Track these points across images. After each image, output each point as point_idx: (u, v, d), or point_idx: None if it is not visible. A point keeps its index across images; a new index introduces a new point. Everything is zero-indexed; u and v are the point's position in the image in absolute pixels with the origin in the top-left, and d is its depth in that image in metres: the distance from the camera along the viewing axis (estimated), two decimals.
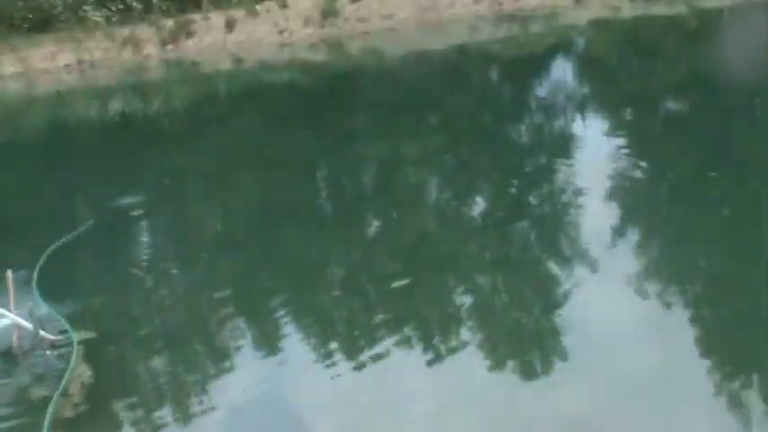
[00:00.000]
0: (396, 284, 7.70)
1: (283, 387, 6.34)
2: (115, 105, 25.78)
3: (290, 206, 10.90)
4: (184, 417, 6.13)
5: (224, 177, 13.13)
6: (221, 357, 6.96)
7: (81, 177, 14.39)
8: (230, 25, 32.60)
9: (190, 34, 32.93)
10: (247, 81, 26.50)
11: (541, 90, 17.03)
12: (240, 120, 19.45)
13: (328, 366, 6.45)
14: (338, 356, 6.59)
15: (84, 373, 6.62)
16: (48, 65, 32.56)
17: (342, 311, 7.57)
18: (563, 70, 19.17)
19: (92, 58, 32.50)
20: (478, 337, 6.67)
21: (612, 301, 6.89)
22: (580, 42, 23.43)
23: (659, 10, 25.32)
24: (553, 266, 7.83)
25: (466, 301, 7.34)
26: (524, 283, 7.69)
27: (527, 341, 6.58)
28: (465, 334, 6.73)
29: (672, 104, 14.28)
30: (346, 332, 7.13)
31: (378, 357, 6.47)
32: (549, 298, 7.19)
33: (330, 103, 19.40)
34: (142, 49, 32.67)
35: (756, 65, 15.54)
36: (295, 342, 6.95)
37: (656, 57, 18.70)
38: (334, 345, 6.82)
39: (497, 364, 6.26)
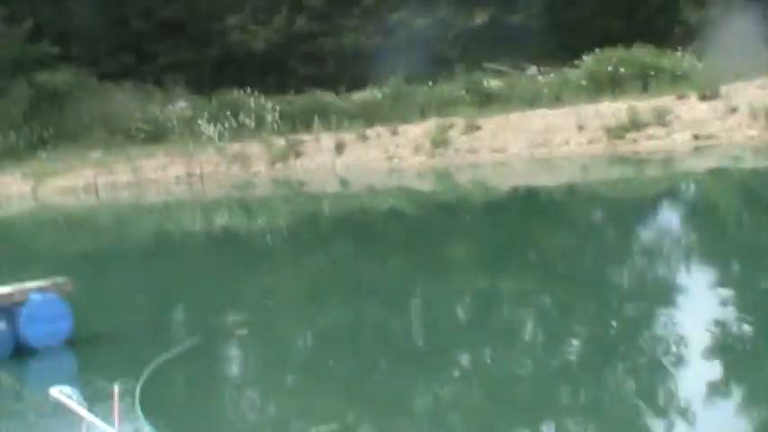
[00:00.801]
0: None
1: None
2: (220, 219, 26.08)
3: (380, 336, 11.05)
4: None
5: (319, 302, 13.21)
6: None
7: (183, 291, 14.76)
8: (340, 148, 32.71)
9: (299, 154, 33.15)
10: (351, 204, 26.45)
11: (647, 236, 16.47)
12: (340, 243, 19.45)
13: None
14: None
15: None
16: (159, 175, 33.17)
17: None
18: (673, 217, 18.64)
19: (201, 172, 32.97)
20: None
21: None
22: (694, 190, 22.66)
23: None
24: (646, 420, 7.44)
25: None
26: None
27: None
28: None
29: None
30: None
31: None
32: None
33: (431, 233, 19.20)
34: (251, 165, 33.02)
35: None
36: None
37: None
38: None
39: None
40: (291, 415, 8.49)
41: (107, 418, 6.83)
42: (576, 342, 10.03)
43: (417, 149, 31.78)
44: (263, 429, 8.26)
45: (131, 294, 14.79)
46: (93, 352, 10.90)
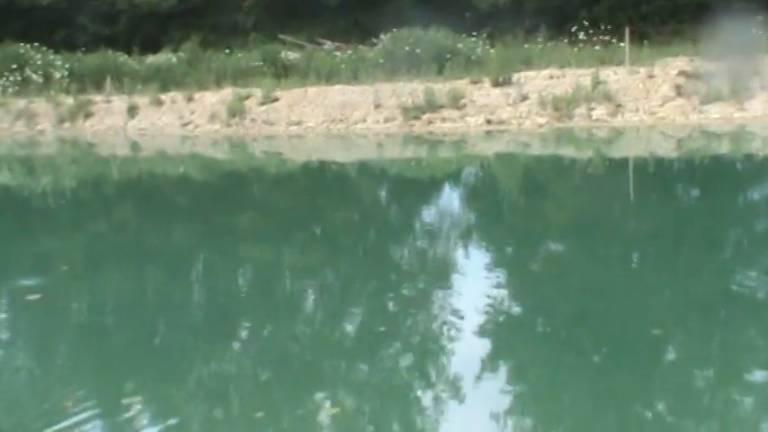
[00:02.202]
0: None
1: None
2: (1, 178, 24.78)
3: (161, 304, 10.80)
4: None
5: (99, 268, 12.84)
6: None
7: None
8: (132, 111, 31.70)
9: (89, 114, 31.92)
10: (141, 169, 25.74)
11: (430, 215, 16.86)
12: (127, 207, 18.98)
13: None
14: None
15: None
16: None
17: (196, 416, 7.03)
18: (457, 198, 19.12)
19: None
20: None
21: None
22: (481, 173, 23.28)
23: (566, 151, 25.43)
24: (419, 393, 7.49)
25: (326, 423, 6.76)
26: (387, 408, 7.18)
27: None
28: None
29: (551, 244, 13.95)
30: None
31: None
32: (409, 426, 6.82)
33: (221, 201, 19.05)
34: (36, 123, 31.53)
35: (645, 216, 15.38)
36: None
37: (548, 195, 18.71)
38: None
39: None
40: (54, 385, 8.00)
41: None
42: (355, 316, 10.05)
43: (213, 117, 31.24)
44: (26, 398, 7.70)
45: None
46: None
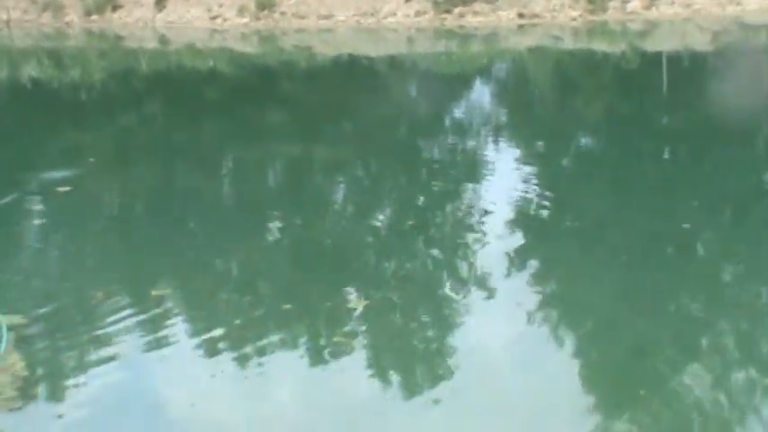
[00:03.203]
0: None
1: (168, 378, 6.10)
2: (30, 71, 24.73)
3: (185, 195, 10.89)
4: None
5: (131, 162, 12.92)
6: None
7: None
8: (160, 3, 31.40)
9: (117, 7, 31.65)
10: (170, 63, 25.60)
11: (460, 110, 16.71)
12: (152, 101, 18.91)
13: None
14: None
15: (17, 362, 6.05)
16: None
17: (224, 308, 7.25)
18: (487, 92, 18.92)
19: (8, 18, 31.06)
20: (368, 353, 6.32)
21: (500, 326, 6.74)
22: (513, 67, 22.99)
23: (599, 46, 25.01)
24: (447, 288, 7.55)
25: (355, 316, 6.83)
26: (415, 302, 7.27)
27: (414, 359, 6.31)
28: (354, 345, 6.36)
29: (582, 140, 13.85)
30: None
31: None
32: (438, 319, 6.90)
33: (248, 95, 18.86)
34: (64, 15, 31.32)
35: (690, 112, 15.16)
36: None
37: (579, 91, 18.45)
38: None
39: (382, 379, 5.98)
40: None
41: None
42: (386, 211, 10.07)
43: (242, 11, 30.87)
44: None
45: None
46: None
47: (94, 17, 31.44)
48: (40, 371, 6.05)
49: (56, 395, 5.82)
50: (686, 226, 8.68)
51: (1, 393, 5.67)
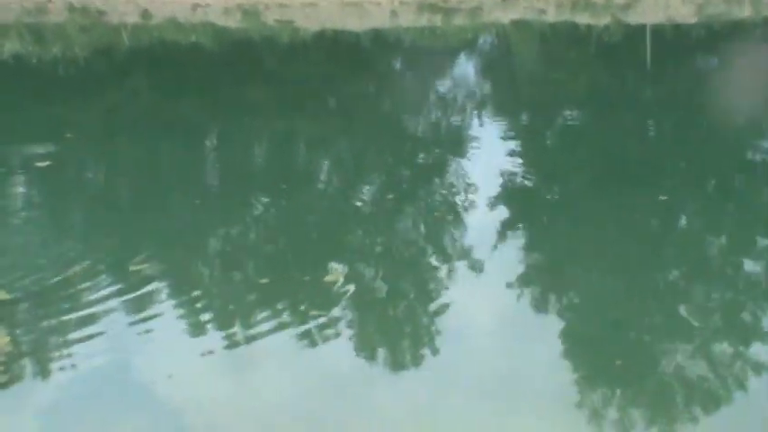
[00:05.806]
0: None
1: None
2: (11, 46, 24.49)
3: (167, 170, 10.92)
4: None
5: (115, 137, 12.85)
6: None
7: None
8: None
9: None
10: (153, 37, 25.42)
11: (444, 85, 16.65)
12: (134, 76, 18.76)
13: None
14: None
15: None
16: None
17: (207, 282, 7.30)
18: (471, 67, 18.92)
19: None
20: (350, 327, 6.38)
21: (483, 299, 6.78)
22: (496, 41, 22.94)
23: (582, 19, 24.93)
24: (430, 262, 7.62)
25: (335, 289, 6.87)
26: (397, 276, 7.35)
27: (397, 332, 6.39)
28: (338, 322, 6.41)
29: (565, 113, 13.84)
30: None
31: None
32: (420, 293, 6.97)
33: (232, 72, 18.77)
34: None
35: (668, 85, 15.17)
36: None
37: (563, 65, 18.43)
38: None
39: (364, 353, 6.07)
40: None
41: None
42: (369, 186, 10.09)
43: None
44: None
45: None
46: None
47: None
48: (24, 347, 6.03)
49: (41, 371, 5.81)
50: (663, 198, 8.72)
51: None
